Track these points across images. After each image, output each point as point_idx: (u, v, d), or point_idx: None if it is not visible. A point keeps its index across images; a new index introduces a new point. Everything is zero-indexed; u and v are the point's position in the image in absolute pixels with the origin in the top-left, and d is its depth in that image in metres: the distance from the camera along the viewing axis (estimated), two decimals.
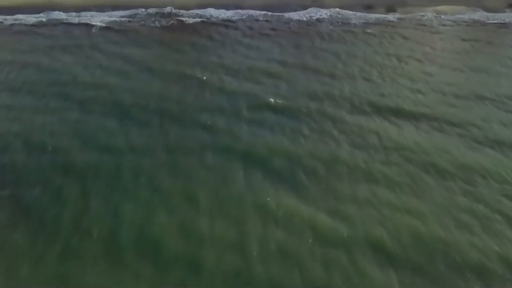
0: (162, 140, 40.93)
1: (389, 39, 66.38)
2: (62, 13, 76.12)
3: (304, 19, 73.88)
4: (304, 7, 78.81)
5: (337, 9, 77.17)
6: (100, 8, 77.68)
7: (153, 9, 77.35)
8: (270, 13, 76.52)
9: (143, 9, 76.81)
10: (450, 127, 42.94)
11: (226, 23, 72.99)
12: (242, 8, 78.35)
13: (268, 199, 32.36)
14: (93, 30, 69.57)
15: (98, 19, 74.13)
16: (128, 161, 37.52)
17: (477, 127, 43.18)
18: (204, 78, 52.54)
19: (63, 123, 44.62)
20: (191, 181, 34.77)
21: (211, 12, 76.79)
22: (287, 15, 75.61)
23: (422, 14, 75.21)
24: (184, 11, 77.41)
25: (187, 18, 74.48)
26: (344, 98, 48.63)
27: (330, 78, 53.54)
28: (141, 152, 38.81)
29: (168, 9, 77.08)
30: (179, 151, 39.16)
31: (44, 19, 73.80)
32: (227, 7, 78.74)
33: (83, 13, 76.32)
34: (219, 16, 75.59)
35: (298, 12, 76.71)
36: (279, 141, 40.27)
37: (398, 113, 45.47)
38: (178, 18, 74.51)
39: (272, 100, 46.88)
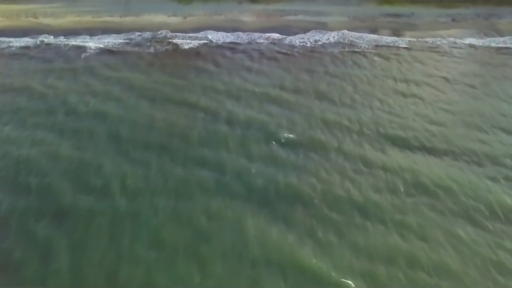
0: (162, 183, 37.10)
1: (402, 64, 63.66)
2: (52, 37, 72.68)
3: (308, 43, 70.98)
4: (306, 30, 76.10)
5: (344, 31, 74.56)
6: (90, 32, 74.30)
7: (148, 33, 74.13)
8: (272, 35, 73.69)
9: (138, 33, 73.68)
10: (480, 166, 39.75)
11: (226, 47, 69.87)
12: (241, 31, 75.61)
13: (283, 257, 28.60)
14: (87, 54, 66.21)
15: (91, 43, 70.78)
16: (125, 210, 33.66)
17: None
18: (207, 108, 49.19)
19: (52, 160, 40.90)
20: (196, 235, 30.96)
21: (209, 35, 73.76)
22: (290, 38, 72.71)
23: (433, 38, 72.72)
24: (180, 34, 74.35)
25: (183, 41, 71.31)
26: (359, 132, 45.37)
27: (343, 107, 50.29)
28: (140, 198, 34.99)
29: (163, 33, 74.01)
30: (181, 197, 35.41)
31: (37, 42, 69.95)
32: (225, 30, 75.99)
33: (75, 37, 73.03)
34: (218, 40, 72.61)
35: (300, 35, 73.84)
36: (292, 185, 36.80)
37: (420, 149, 42.28)
38: (174, 42, 71.38)
39: (282, 134, 43.44)
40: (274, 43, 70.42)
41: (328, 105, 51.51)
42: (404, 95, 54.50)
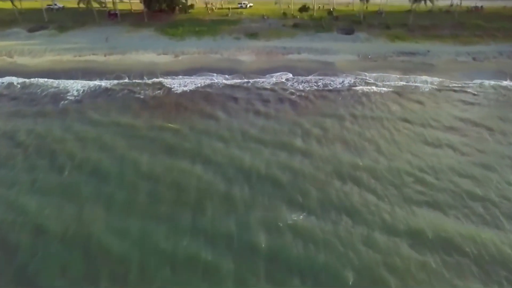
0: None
1: (422, 108, 55.84)
2: (26, 79, 65.00)
3: (315, 86, 63.33)
4: (312, 71, 68.64)
5: (353, 72, 67.21)
6: (70, 73, 66.59)
7: (136, 74, 66.43)
8: (274, 77, 66.25)
9: (124, 75, 66.00)
10: None
11: (223, 92, 62.14)
12: (240, 72, 68.10)
13: None
14: (65, 100, 58.20)
15: (71, 86, 62.76)
16: None
17: None
18: (203, 177, 40.79)
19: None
20: None
21: (204, 77, 66.22)
22: (294, 80, 65.27)
23: (454, 79, 65.45)
24: (171, 75, 66.69)
25: (175, 84, 63.21)
26: (382, 189, 37.85)
27: (360, 157, 42.60)
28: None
29: (152, 74, 66.44)
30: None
31: (9, 85, 62.16)
32: (222, 71, 68.50)
33: (53, 79, 65.42)
34: (214, 83, 64.94)
35: (305, 77, 66.46)
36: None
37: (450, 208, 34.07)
38: (166, 84, 63.61)
39: (292, 217, 35.16)
40: (277, 87, 62.98)
41: (345, 156, 43.74)
42: (427, 143, 47.05)
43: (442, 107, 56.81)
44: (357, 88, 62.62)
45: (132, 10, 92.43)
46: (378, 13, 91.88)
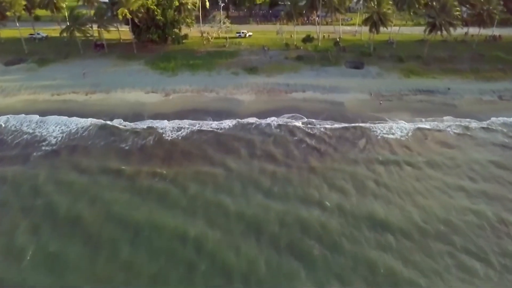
0: None
1: (450, 159, 49.09)
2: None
3: (322, 130, 55.64)
4: (319, 113, 60.99)
5: (367, 115, 59.54)
6: (45, 114, 59.07)
7: (120, 117, 58.82)
8: (277, 121, 58.60)
9: (107, 117, 58.20)
10: None
11: (219, 139, 54.68)
12: (238, 115, 60.24)
13: None
14: (37, 151, 50.64)
15: (44, 131, 54.81)
16: None
17: None
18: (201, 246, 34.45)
19: None
20: None
21: (197, 122, 58.27)
22: (299, 125, 57.72)
23: (481, 122, 58.26)
24: (160, 119, 58.92)
25: (166, 129, 55.43)
26: None
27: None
28: None
29: (139, 117, 58.61)
30: None
31: None
32: (218, 113, 60.64)
33: (23, 122, 57.72)
34: (208, 129, 56.97)
35: (312, 120, 58.91)
36: None
37: None
38: (155, 129, 55.74)
39: None
40: (280, 133, 55.95)
41: (371, 211, 39.83)
42: (458, 194, 42.37)
43: (469, 154, 51.24)
44: (371, 133, 55.24)
45: (121, 40, 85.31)
46: (388, 43, 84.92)
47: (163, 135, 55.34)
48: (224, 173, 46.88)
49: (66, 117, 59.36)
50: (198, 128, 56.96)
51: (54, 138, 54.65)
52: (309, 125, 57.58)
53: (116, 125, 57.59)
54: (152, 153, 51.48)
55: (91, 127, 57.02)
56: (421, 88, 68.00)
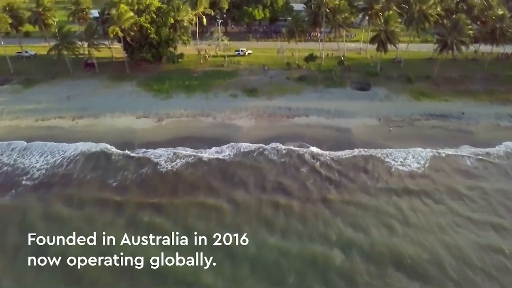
0: None
1: (472, 194, 44.99)
2: None
3: (328, 160, 51.06)
4: (324, 140, 56.37)
5: (376, 143, 54.80)
6: (29, 140, 54.57)
7: (109, 146, 54.17)
8: (278, 149, 54.00)
9: (95, 144, 53.63)
10: None
11: (215, 170, 50.32)
12: (236, 143, 55.54)
13: None
14: (18, 186, 46.42)
15: (27, 161, 50.07)
16: None
17: None
18: None
19: None
20: None
21: (192, 151, 53.61)
22: (303, 153, 53.23)
23: (501, 149, 53.94)
24: (153, 147, 54.27)
25: (159, 159, 50.89)
26: None
27: None
28: None
29: (130, 145, 53.96)
30: None
31: None
32: (215, 140, 55.99)
33: (5, 151, 53.25)
34: (203, 157, 52.40)
35: (317, 150, 54.25)
36: None
37: None
38: (148, 159, 51.23)
39: None
40: (282, 163, 51.75)
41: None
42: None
43: (493, 185, 47.34)
44: (385, 164, 50.99)
45: (114, 59, 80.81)
46: (395, 62, 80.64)
47: (158, 166, 51.17)
48: (227, 208, 43.21)
49: (53, 143, 55.08)
50: (195, 157, 52.50)
51: (38, 170, 50.08)
52: (314, 154, 53.17)
53: (106, 153, 52.99)
54: (146, 186, 47.66)
55: (78, 157, 52.37)
56: (433, 112, 63.46)
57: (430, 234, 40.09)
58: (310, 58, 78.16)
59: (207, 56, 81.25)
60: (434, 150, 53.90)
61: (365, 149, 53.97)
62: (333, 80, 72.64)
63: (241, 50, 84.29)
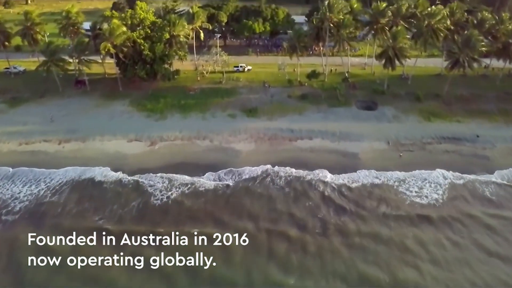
0: None
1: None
2: None
3: (334, 191, 46.92)
4: (331, 166, 52.28)
5: (388, 173, 50.61)
6: (7, 173, 50.64)
7: (97, 173, 50.01)
8: (280, 176, 49.88)
9: (81, 172, 49.53)
10: None
11: (214, 201, 46.38)
12: (233, 169, 51.37)
13: None
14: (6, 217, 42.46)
15: (7, 194, 46.18)
16: None
17: None
18: None
19: None
20: None
21: (188, 178, 49.66)
22: (308, 181, 49.13)
23: None
24: (146, 175, 50.03)
25: (152, 189, 47.05)
26: None
27: None
28: None
29: (119, 174, 49.65)
30: None
31: None
32: (213, 165, 51.92)
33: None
34: (200, 186, 48.40)
35: (323, 177, 50.11)
36: None
37: None
38: (140, 188, 47.23)
39: None
40: (289, 193, 47.64)
41: None
42: None
43: None
44: (399, 194, 46.86)
45: (106, 75, 76.68)
46: (402, 78, 76.76)
47: (152, 197, 47.57)
48: (232, 244, 38.35)
49: (37, 169, 51.00)
50: (191, 186, 48.50)
51: (19, 203, 45.87)
52: (321, 182, 49.20)
53: (94, 182, 49.02)
54: (140, 221, 43.14)
55: (64, 187, 48.25)
56: (445, 134, 59.37)
57: (455, 272, 37.14)
58: (313, 75, 74.20)
59: (204, 72, 77.27)
60: (451, 178, 49.77)
61: (376, 177, 49.82)
62: (337, 98, 68.61)
63: (240, 66, 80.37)
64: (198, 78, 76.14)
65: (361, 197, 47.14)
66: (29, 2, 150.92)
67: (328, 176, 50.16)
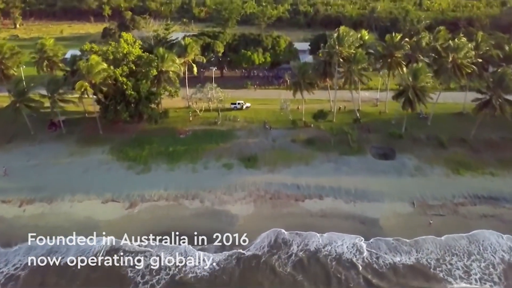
0: None
1: None
2: None
3: (358, 267, 37.32)
4: (344, 234, 42.71)
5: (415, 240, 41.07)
6: None
7: (62, 249, 40.50)
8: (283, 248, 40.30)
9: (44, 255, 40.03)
10: None
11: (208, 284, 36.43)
12: (228, 239, 41.84)
13: None
14: None
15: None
16: None
17: None
18: None
19: None
20: None
21: (175, 256, 40.19)
22: (317, 253, 39.45)
23: None
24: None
25: (130, 268, 38.13)
26: None
27: None
28: None
29: (98, 258, 40.23)
30: None
31: None
32: (206, 235, 42.09)
33: None
34: (188, 265, 39.01)
35: (336, 247, 40.52)
36: None
37: None
38: (119, 270, 38.04)
39: None
40: (298, 276, 37.70)
41: None
42: None
43: None
44: (438, 281, 37.21)
45: (86, 114, 67.48)
46: (420, 118, 67.76)
47: (131, 285, 37.06)
48: None
49: None
50: (176, 268, 39.02)
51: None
52: (337, 260, 39.35)
53: (56, 265, 39.40)
54: None
55: (16, 270, 38.71)
56: (479, 192, 50.25)
57: None
58: (320, 115, 65.19)
59: (197, 111, 68.19)
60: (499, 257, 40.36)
61: (407, 254, 40.24)
62: (349, 144, 59.49)
63: (238, 103, 71.43)
64: (190, 118, 67.08)
65: (392, 280, 37.47)
66: (17, 26, 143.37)
67: (345, 254, 40.55)
